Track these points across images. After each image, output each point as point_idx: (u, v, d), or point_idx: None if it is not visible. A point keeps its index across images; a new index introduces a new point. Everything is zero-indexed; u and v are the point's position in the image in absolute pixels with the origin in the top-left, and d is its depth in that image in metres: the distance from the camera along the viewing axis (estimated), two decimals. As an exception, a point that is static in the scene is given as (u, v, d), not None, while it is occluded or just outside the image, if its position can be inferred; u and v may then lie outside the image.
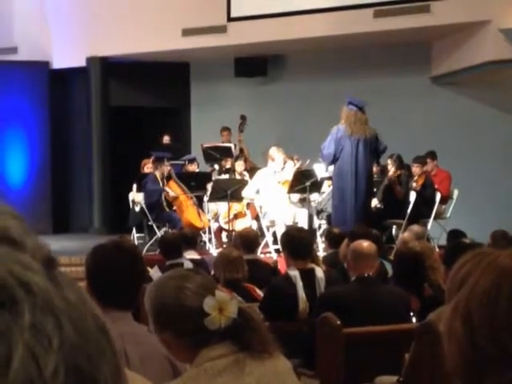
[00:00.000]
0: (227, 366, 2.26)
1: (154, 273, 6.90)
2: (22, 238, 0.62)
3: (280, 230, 9.83)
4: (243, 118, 13.65)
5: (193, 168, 12.88)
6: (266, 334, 2.34)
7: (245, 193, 11.35)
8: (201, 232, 11.82)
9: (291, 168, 11.71)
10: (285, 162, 11.73)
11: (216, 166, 12.98)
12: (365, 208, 10.69)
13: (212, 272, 6.40)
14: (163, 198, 11.94)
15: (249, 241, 7.34)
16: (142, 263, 3.26)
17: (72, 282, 0.64)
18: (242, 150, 13.38)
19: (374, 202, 11.66)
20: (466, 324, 1.21)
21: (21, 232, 0.63)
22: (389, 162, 11.80)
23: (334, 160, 10.58)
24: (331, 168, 10.97)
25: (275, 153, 11.55)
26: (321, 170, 11.40)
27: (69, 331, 0.59)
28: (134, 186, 12.53)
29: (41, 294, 0.59)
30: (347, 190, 10.54)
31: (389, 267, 6.99)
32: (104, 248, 3.10)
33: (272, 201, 11.24)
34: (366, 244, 5.46)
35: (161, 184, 11.99)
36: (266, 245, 11.14)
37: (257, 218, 11.68)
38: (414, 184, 11.69)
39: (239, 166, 12.39)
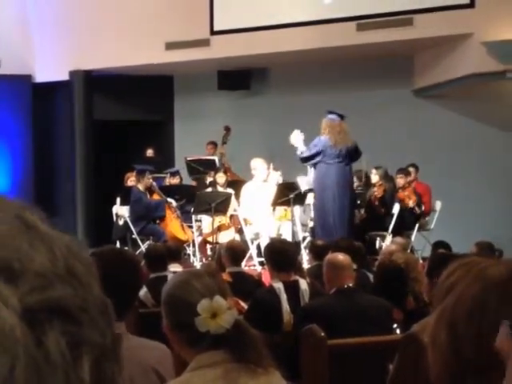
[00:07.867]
0: (220, 375, 2.25)
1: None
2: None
3: (264, 243, 9.82)
4: (227, 129, 13.62)
5: (175, 181, 12.85)
6: (261, 350, 2.33)
7: (243, 215, 11.37)
8: (185, 245, 11.80)
9: (275, 180, 11.71)
10: (268, 174, 11.76)
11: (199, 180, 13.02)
12: (349, 220, 10.73)
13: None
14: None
15: (236, 253, 7.33)
16: (141, 274, 3.24)
17: None
18: (223, 163, 13.33)
19: (358, 214, 11.69)
20: (451, 332, 1.21)
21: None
22: (373, 171, 11.81)
23: (314, 160, 10.64)
24: (310, 179, 11.02)
25: (256, 162, 11.62)
26: (304, 182, 11.41)
27: None
28: (118, 200, 12.48)
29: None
30: (329, 203, 10.56)
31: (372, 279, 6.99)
32: (105, 255, 2.99)
33: (256, 213, 11.24)
34: (341, 256, 5.49)
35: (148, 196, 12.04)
36: (251, 257, 11.12)
37: (240, 230, 11.66)
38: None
39: (219, 178, 12.28)
